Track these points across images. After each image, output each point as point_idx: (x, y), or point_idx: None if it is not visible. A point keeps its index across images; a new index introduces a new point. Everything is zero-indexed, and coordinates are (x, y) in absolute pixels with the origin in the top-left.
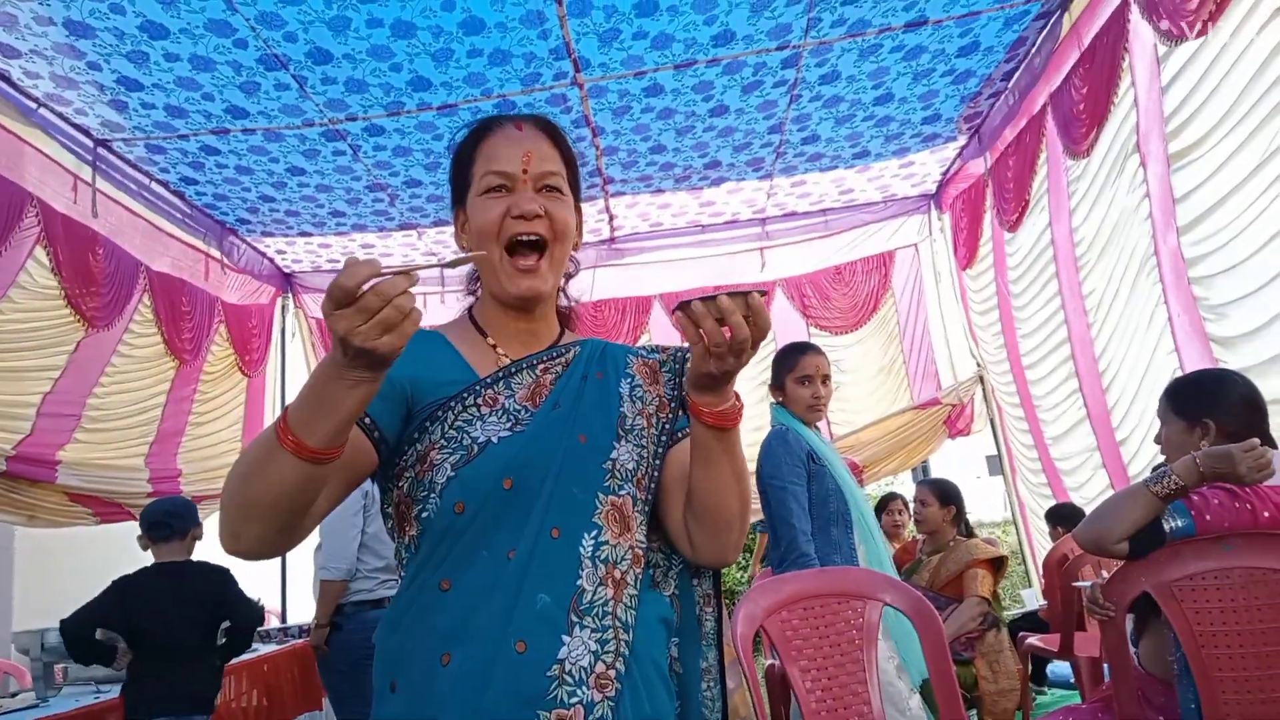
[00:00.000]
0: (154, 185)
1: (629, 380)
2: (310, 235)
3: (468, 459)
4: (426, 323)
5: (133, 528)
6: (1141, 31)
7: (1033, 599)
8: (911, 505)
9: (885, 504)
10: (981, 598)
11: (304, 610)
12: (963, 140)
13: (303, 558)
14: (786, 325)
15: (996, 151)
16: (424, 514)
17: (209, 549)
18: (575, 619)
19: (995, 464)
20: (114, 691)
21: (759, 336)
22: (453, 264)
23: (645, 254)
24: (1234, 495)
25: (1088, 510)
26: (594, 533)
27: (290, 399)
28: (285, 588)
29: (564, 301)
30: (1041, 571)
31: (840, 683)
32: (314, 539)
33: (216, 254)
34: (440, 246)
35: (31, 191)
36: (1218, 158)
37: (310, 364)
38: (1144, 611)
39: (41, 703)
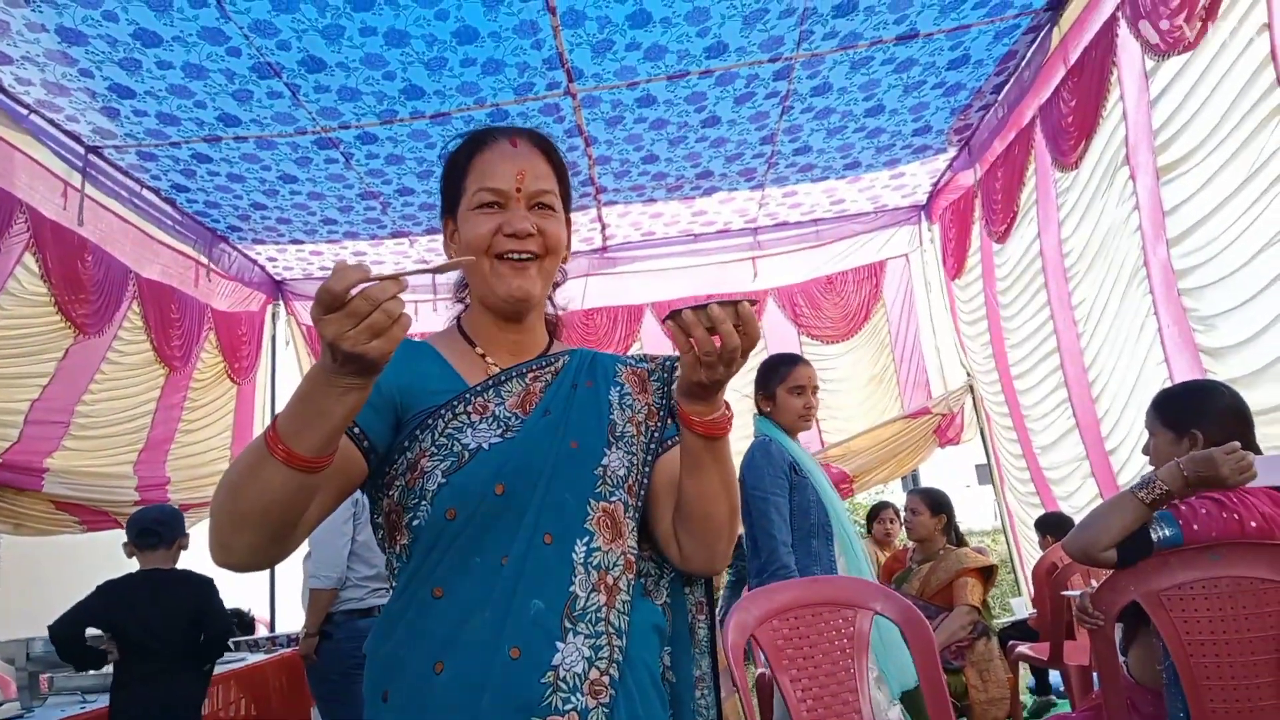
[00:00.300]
0: (145, 192)
1: (618, 388)
2: (302, 243)
3: (459, 465)
4: (418, 329)
5: (119, 536)
6: (1130, 45)
7: (1022, 608)
8: (903, 514)
9: (877, 513)
10: (971, 606)
11: (293, 619)
12: (953, 152)
13: (291, 566)
14: (778, 334)
15: (986, 163)
16: (415, 522)
17: (197, 558)
18: (569, 625)
19: (985, 473)
20: (101, 701)
21: (749, 346)
22: (442, 269)
23: (637, 263)
24: (1221, 505)
25: (1077, 519)
26: (586, 539)
27: (280, 407)
28: (274, 596)
29: (550, 310)
30: (1031, 580)
31: (831, 691)
32: (303, 547)
33: (207, 261)
34: (432, 254)
35: (21, 198)
36: (1207, 171)
37: (303, 371)
38: (1133, 620)
39: (26, 712)
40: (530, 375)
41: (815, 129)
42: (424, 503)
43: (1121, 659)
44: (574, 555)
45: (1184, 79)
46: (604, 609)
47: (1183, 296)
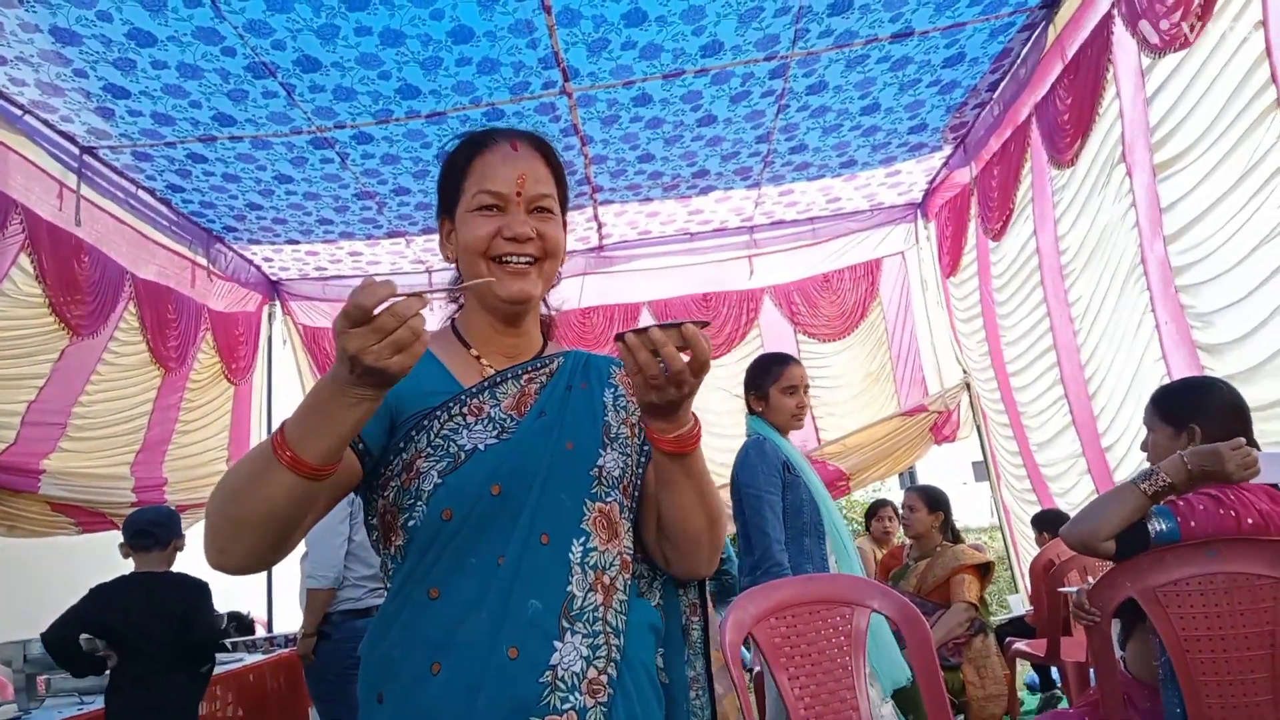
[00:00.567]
0: (140, 193)
1: (612, 390)
2: (298, 243)
3: (455, 466)
4: None
5: (115, 537)
6: (1126, 43)
7: (1019, 604)
8: (900, 511)
9: (875, 510)
10: (968, 603)
11: (290, 619)
12: (948, 150)
13: (289, 567)
14: (774, 333)
15: (982, 161)
16: (410, 523)
17: (196, 561)
18: (566, 625)
19: (982, 470)
20: (98, 703)
21: (697, 368)
22: (461, 290)
23: (634, 261)
24: (1219, 501)
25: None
26: (583, 539)
27: (277, 406)
28: (271, 596)
29: (545, 311)
30: (1028, 577)
31: (828, 689)
32: (300, 548)
33: (203, 261)
34: (428, 254)
35: (16, 199)
36: (1203, 167)
37: (300, 371)
38: (1130, 617)
39: (24, 714)
40: (525, 377)
41: (811, 127)
42: (420, 503)
43: (1119, 655)
44: (570, 555)
45: (1180, 76)
46: (601, 608)
47: (1180, 293)
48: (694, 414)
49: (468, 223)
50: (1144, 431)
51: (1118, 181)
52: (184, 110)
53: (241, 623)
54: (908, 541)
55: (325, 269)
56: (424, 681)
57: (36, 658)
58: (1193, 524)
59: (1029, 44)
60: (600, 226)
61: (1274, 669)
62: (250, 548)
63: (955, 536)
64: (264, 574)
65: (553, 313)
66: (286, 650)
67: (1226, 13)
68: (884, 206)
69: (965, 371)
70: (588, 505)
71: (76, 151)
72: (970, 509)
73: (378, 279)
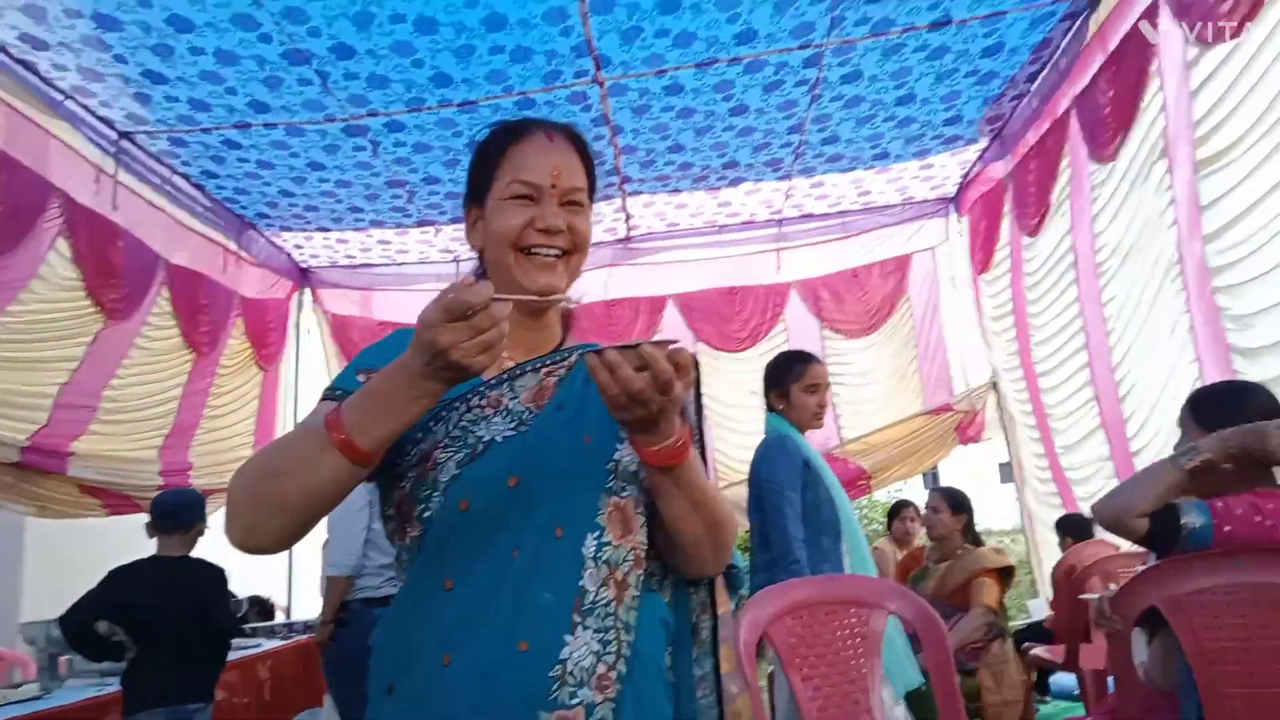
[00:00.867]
0: (175, 178)
1: None
2: (328, 230)
3: (473, 457)
4: None
5: (142, 519)
6: (1171, 34)
7: (1039, 609)
8: (923, 512)
9: (898, 511)
10: (987, 608)
11: (310, 606)
12: (984, 142)
13: (310, 552)
14: (800, 328)
15: (1018, 154)
16: (426, 513)
17: (212, 546)
18: (578, 619)
19: (1008, 471)
20: (118, 684)
21: (662, 387)
22: (521, 300)
23: (661, 254)
24: (1256, 509)
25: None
26: (597, 533)
27: (305, 394)
28: (291, 583)
29: (565, 304)
30: (1049, 581)
31: (842, 691)
32: (322, 534)
33: (235, 247)
34: (456, 243)
35: (55, 183)
36: (1247, 165)
37: (326, 358)
38: (1154, 625)
39: (45, 694)
40: (544, 370)
41: (844, 118)
42: (436, 494)
43: (1139, 662)
44: (584, 549)
45: (1227, 70)
46: (613, 604)
47: (1217, 294)
48: (685, 426)
49: (499, 211)
50: (1173, 436)
51: (1158, 178)
52: (220, 97)
53: (263, 607)
54: (928, 543)
55: (354, 257)
56: (435, 672)
57: (59, 638)
58: (1227, 528)
59: (1070, 34)
60: (628, 218)
61: None
62: (282, 527)
63: (976, 539)
64: (285, 559)
65: (572, 305)
66: (305, 636)
67: (1278, 5)
68: (916, 200)
69: (993, 371)
70: (603, 499)
71: (114, 137)
72: (996, 511)
73: (477, 281)
